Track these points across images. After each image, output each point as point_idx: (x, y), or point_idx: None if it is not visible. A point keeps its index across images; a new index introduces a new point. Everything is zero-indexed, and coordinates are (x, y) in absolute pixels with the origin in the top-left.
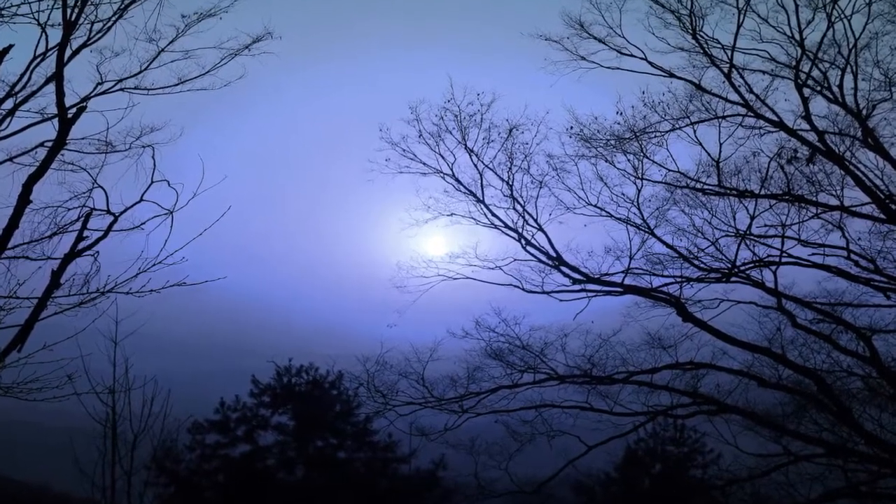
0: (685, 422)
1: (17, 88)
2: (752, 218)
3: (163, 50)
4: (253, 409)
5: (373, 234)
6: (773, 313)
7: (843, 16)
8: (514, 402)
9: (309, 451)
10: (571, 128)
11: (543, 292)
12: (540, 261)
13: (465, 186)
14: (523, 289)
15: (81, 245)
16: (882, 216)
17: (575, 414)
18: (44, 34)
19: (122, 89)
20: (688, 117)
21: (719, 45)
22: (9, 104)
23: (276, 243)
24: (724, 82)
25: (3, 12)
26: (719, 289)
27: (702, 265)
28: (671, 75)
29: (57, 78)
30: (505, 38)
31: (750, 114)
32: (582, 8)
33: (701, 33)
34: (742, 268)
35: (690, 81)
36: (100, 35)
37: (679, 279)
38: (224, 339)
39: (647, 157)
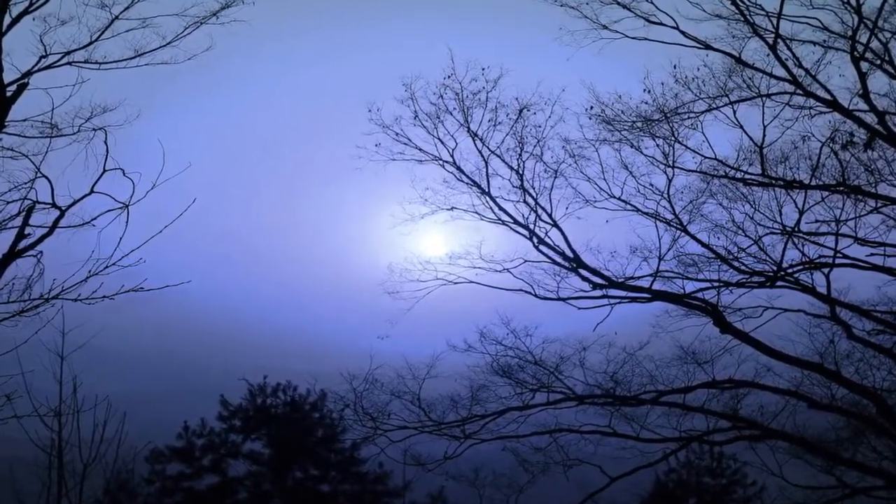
0: (723, 449)
1: None
2: (801, 212)
3: (117, 17)
4: (222, 435)
5: (361, 232)
6: (825, 323)
7: None
8: (524, 426)
9: (287, 484)
10: (591, 108)
11: (559, 299)
12: (555, 262)
13: (467, 176)
14: (535, 295)
15: (23, 244)
16: None
17: (595, 440)
18: None
19: (69, 63)
20: (726, 95)
21: (763, 12)
22: None
23: (249, 242)
24: (768, 55)
25: None
26: (763, 295)
27: (743, 267)
28: (707, 47)
29: None
30: (514, 3)
31: (798, 91)
32: None
33: None
34: (789, 270)
35: (729, 54)
36: (44, 0)
37: (716, 283)
38: (188, 353)
39: (680, 142)
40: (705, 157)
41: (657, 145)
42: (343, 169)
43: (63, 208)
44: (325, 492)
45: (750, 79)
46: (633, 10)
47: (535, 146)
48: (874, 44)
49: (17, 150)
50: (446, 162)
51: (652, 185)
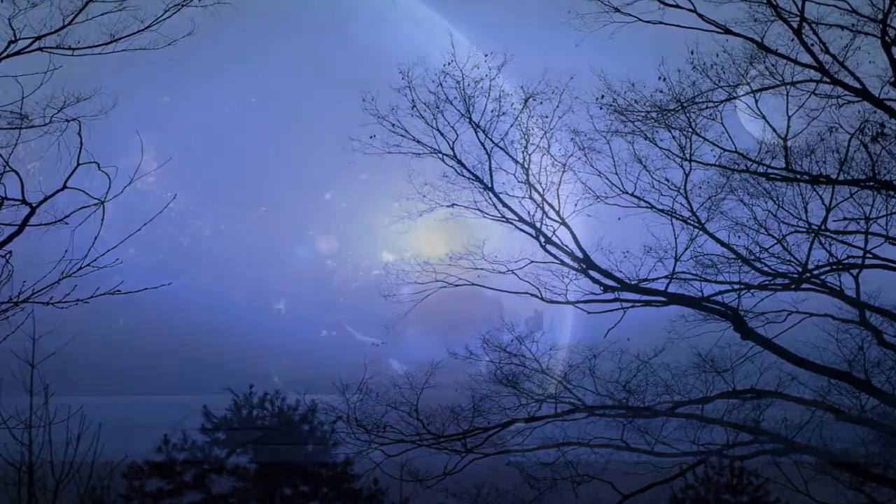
0: (744, 464)
1: None
2: (828, 209)
3: None
4: (205, 449)
5: (354, 230)
6: (854, 329)
7: None
8: (530, 439)
9: (274, 501)
10: (602, 97)
11: (567, 302)
12: (563, 263)
13: (469, 170)
14: (542, 298)
15: None
16: None
17: (607, 454)
18: None
19: (40, 49)
20: (747, 84)
21: None
22: None
23: (235, 241)
24: (792, 40)
25: None
26: (787, 298)
27: (765, 269)
28: (727, 31)
29: None
30: None
31: (825, 79)
32: None
33: None
34: (815, 272)
35: (751, 39)
36: None
37: (737, 286)
38: (168, 360)
39: (697, 134)
40: (725, 150)
41: (673, 137)
42: (335, 163)
43: (34, 205)
44: None
45: (773, 66)
46: None
47: (541, 138)
48: None
49: None
50: (446, 155)
51: (667, 179)
